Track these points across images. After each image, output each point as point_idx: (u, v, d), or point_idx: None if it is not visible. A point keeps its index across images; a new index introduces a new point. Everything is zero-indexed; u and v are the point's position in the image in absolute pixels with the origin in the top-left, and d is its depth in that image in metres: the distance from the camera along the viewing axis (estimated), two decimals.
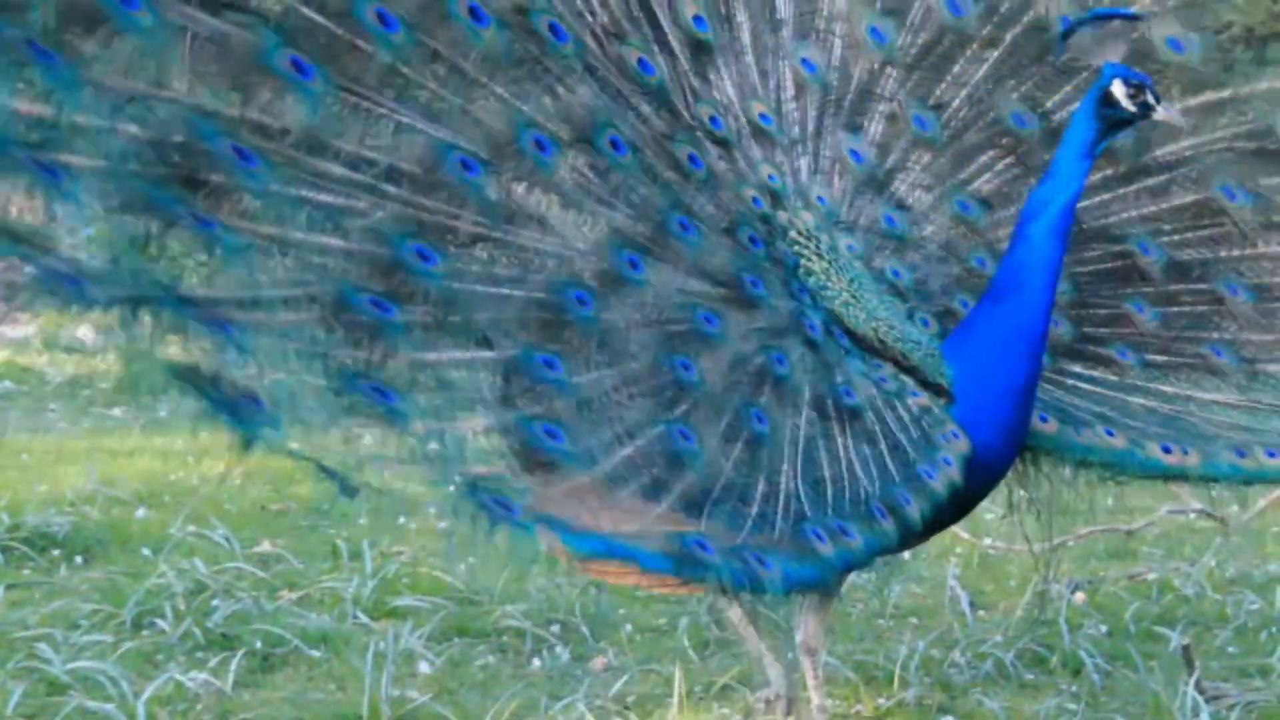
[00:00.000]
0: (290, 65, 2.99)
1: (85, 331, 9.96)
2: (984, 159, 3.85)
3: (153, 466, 6.83)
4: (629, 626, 4.87)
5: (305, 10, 3.02)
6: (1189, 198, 3.90)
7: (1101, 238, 3.86)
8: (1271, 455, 3.78)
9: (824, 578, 3.25)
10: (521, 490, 3.00)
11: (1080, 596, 5.16)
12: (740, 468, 3.28)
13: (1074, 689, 4.46)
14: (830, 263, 3.60)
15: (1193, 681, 4.20)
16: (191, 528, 5.66)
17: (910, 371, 3.56)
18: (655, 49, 3.51)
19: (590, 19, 3.41)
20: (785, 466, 3.32)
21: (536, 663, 4.65)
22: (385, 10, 3.09)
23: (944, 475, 3.41)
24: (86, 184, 2.79)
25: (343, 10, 3.06)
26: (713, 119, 3.59)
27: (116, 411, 8.21)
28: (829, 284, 3.58)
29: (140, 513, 6.01)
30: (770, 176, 3.64)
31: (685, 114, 3.55)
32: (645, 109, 3.47)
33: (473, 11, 3.21)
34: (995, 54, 3.83)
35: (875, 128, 3.82)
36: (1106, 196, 3.87)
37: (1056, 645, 4.67)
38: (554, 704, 4.26)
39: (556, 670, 4.58)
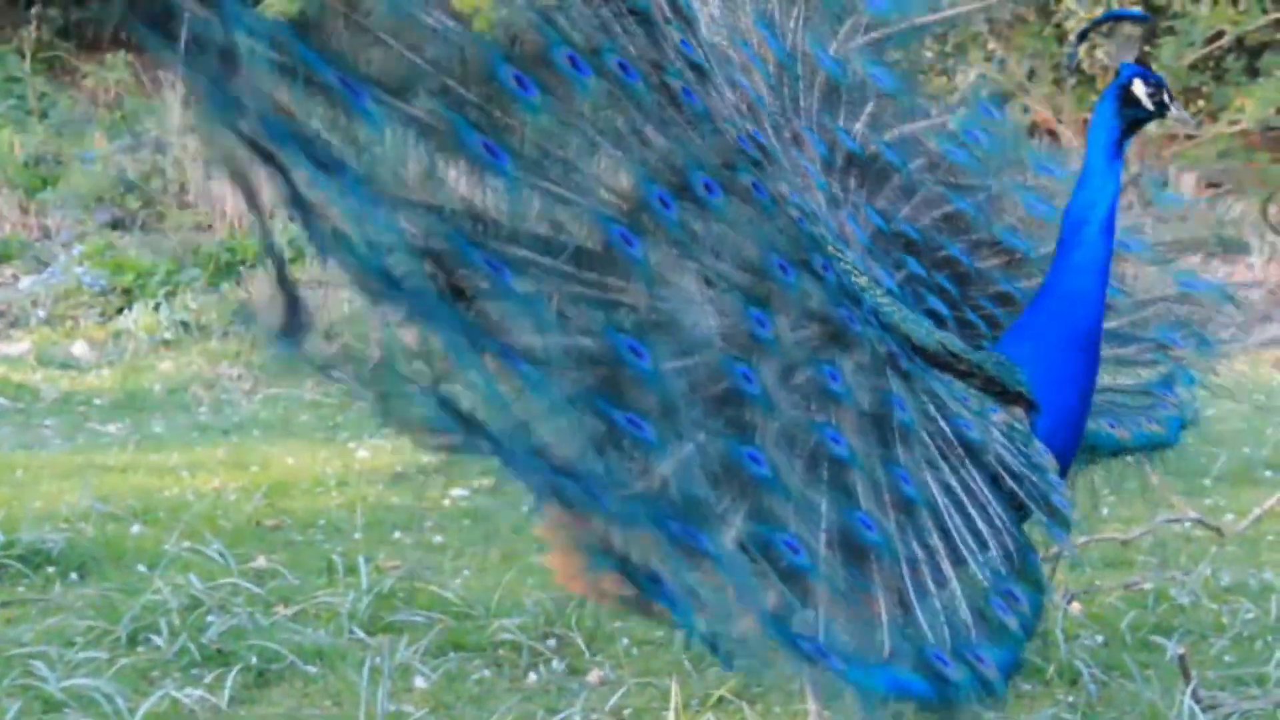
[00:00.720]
0: (483, 149, 2.72)
1: (80, 348, 9.94)
2: (842, 177, 3.83)
3: (147, 482, 6.80)
4: (625, 639, 4.86)
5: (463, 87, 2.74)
6: (944, 209, 3.94)
7: (932, 247, 3.85)
8: (1150, 421, 3.94)
9: (1020, 659, 2.84)
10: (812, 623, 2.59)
11: (1076, 606, 5.15)
12: (910, 544, 2.85)
13: (1070, 699, 4.45)
14: (866, 276, 3.33)
15: (1189, 691, 4.20)
16: (186, 543, 5.63)
17: (984, 383, 3.32)
18: (682, 78, 3.22)
19: (632, 52, 3.12)
20: (940, 529, 2.92)
21: (533, 676, 4.63)
22: (520, 73, 2.81)
23: (1069, 500, 3.17)
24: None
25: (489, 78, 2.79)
26: (740, 139, 3.25)
27: (111, 428, 8.18)
28: (880, 300, 3.27)
29: (135, 529, 5.98)
30: (792, 194, 3.32)
31: (731, 140, 3.18)
32: (701, 142, 3.10)
33: (572, 61, 2.93)
34: (800, 85, 3.85)
35: (800, 148, 3.80)
36: (908, 209, 3.86)
37: (1053, 655, 4.65)
38: (550, 717, 4.26)
39: (553, 684, 4.57)
